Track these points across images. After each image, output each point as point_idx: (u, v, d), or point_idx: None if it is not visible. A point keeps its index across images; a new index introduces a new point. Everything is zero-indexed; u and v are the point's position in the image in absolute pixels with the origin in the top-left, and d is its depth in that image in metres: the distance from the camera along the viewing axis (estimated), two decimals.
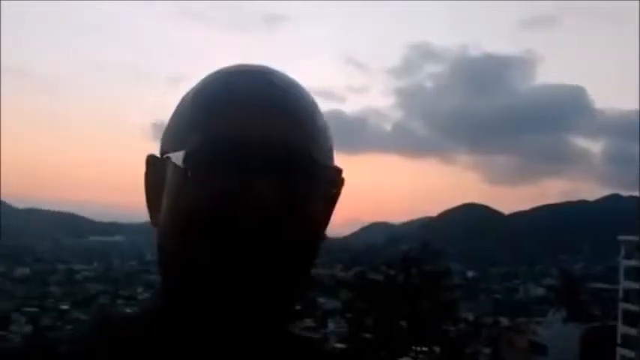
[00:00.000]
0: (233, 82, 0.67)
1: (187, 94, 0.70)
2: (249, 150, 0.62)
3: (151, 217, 0.70)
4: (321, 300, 42.86)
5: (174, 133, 0.68)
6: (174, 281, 0.65)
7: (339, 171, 0.68)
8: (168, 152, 0.67)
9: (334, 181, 0.68)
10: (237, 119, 0.63)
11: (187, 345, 0.65)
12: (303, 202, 0.63)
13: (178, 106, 0.71)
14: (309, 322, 43.99)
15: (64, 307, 60.46)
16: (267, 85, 0.66)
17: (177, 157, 0.64)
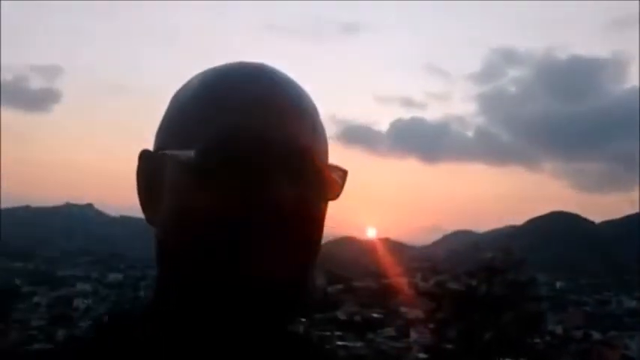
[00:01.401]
0: (238, 79, 0.66)
1: (186, 90, 0.69)
2: (264, 149, 0.61)
3: (147, 213, 0.69)
4: (403, 309, 42.44)
5: (177, 128, 0.66)
6: (180, 279, 0.63)
7: (344, 172, 0.68)
8: (169, 148, 0.66)
9: (341, 182, 0.68)
10: (251, 117, 0.62)
11: (187, 344, 0.64)
12: (314, 203, 0.64)
13: (177, 102, 0.69)
14: (390, 331, 43.82)
15: None
16: (274, 84, 0.66)
17: (187, 154, 0.62)
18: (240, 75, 0.67)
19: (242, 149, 0.61)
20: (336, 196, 0.68)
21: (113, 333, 0.68)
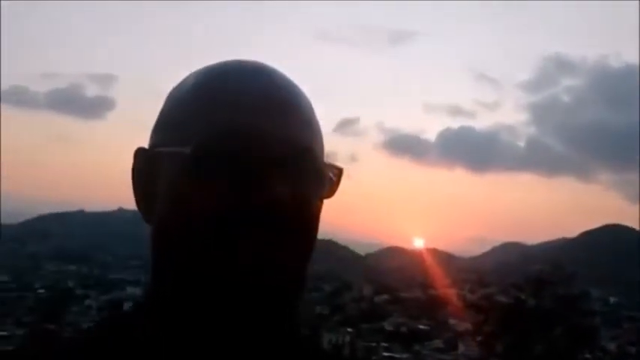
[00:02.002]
0: (236, 76, 0.66)
1: (182, 87, 0.69)
2: (261, 146, 0.61)
3: (143, 211, 0.68)
4: (452, 321, 41.89)
5: (173, 126, 0.66)
6: (176, 278, 0.63)
7: (340, 170, 0.68)
8: (165, 145, 0.65)
9: (336, 180, 0.68)
10: (248, 115, 0.62)
11: (182, 342, 0.63)
12: (310, 200, 0.64)
13: (173, 99, 0.69)
14: (437, 343, 43.27)
15: None
16: (271, 82, 0.66)
17: (184, 151, 0.62)
18: (236, 72, 0.66)
19: (238, 146, 0.61)
20: (331, 194, 0.68)
21: (109, 330, 0.67)
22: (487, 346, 17.71)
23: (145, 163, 0.68)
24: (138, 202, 0.69)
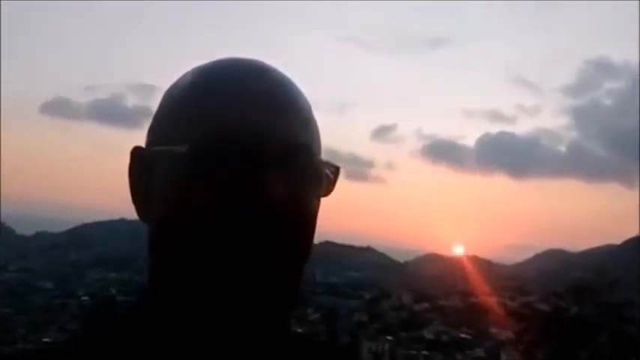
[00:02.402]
0: (233, 75, 0.65)
1: (179, 85, 0.68)
2: (259, 145, 0.61)
3: (139, 211, 0.68)
4: (493, 330, 41.25)
5: (170, 124, 0.65)
6: (172, 278, 0.62)
7: (337, 169, 0.68)
8: (162, 144, 0.64)
9: (333, 178, 0.67)
10: (245, 113, 0.62)
11: (180, 345, 0.63)
12: (308, 199, 0.64)
13: (170, 98, 0.68)
14: (479, 352, 42.64)
15: None
16: (269, 80, 0.65)
17: (180, 149, 0.61)
18: (233, 70, 0.66)
19: (235, 145, 0.60)
20: (328, 193, 0.67)
21: (108, 331, 0.67)
22: (529, 354, 17.41)
23: (141, 162, 0.67)
24: (134, 201, 0.68)
